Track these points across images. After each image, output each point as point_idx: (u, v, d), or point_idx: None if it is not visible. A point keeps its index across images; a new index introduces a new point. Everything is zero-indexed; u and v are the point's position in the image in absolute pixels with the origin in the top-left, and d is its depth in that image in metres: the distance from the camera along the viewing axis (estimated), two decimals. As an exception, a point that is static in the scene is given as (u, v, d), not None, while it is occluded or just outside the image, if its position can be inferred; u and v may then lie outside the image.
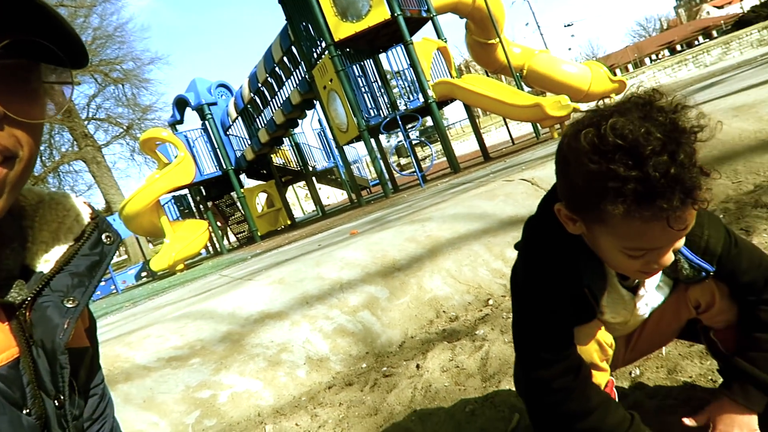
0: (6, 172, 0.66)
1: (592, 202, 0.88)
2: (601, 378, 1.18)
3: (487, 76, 13.06)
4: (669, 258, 0.94)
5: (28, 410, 0.69)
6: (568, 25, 53.05)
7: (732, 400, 1.11)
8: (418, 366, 2.17)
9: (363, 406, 2.00)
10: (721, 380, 1.35)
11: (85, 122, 25.34)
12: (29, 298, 0.73)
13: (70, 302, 0.75)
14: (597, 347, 1.14)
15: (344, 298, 3.09)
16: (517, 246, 1.15)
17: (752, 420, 1.10)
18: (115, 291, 15.71)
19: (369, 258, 3.46)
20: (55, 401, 0.72)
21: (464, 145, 33.62)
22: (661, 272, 1.12)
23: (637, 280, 1.12)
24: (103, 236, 0.82)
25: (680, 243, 0.95)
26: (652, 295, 1.15)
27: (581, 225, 0.98)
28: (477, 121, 15.49)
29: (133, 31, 53.68)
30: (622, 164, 0.82)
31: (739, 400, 1.10)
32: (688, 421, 1.17)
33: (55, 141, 25.86)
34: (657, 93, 0.88)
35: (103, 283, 16.71)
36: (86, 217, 0.82)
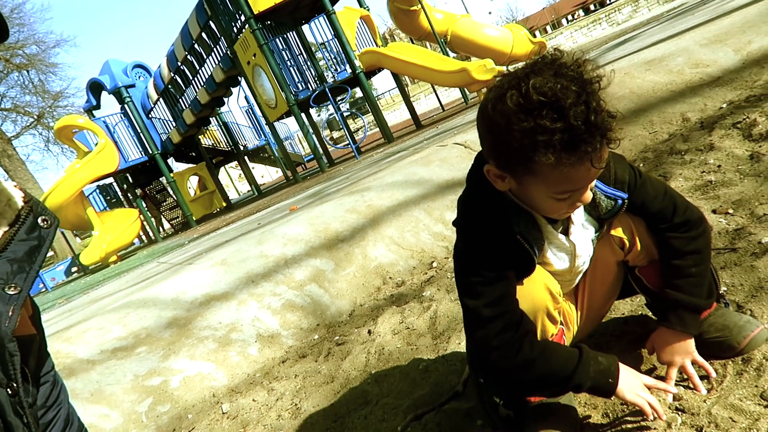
0: None
1: (525, 157, 0.98)
2: (552, 328, 1.25)
3: (413, 43, 13.09)
4: (589, 195, 1.07)
5: None
6: (488, -11, 53.54)
7: (669, 329, 1.22)
8: (369, 332, 2.22)
9: (319, 376, 2.03)
10: (650, 314, 1.47)
11: (-9, 114, 23.63)
12: None
13: (12, 289, 0.73)
14: (549, 296, 1.20)
15: (290, 274, 3.09)
16: (454, 223, 1.20)
17: (689, 344, 1.21)
18: (44, 289, 14.97)
19: (311, 232, 3.46)
20: (8, 389, 0.71)
21: (395, 115, 33.70)
22: (583, 212, 1.22)
23: (565, 224, 1.21)
24: (39, 219, 0.80)
25: (594, 182, 1.09)
26: (582, 233, 1.23)
27: (510, 180, 1.07)
28: (406, 89, 15.54)
29: (33, 12, 50.05)
30: (548, 118, 0.93)
31: (677, 327, 1.21)
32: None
33: (-41, 136, 24.00)
34: (559, 51, 1.00)
35: (29, 283, 15.87)
36: (19, 201, 0.79)
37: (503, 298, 1.12)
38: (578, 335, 1.43)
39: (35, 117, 25.08)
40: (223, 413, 2.06)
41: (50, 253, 28.01)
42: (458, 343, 1.81)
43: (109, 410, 2.22)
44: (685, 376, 1.21)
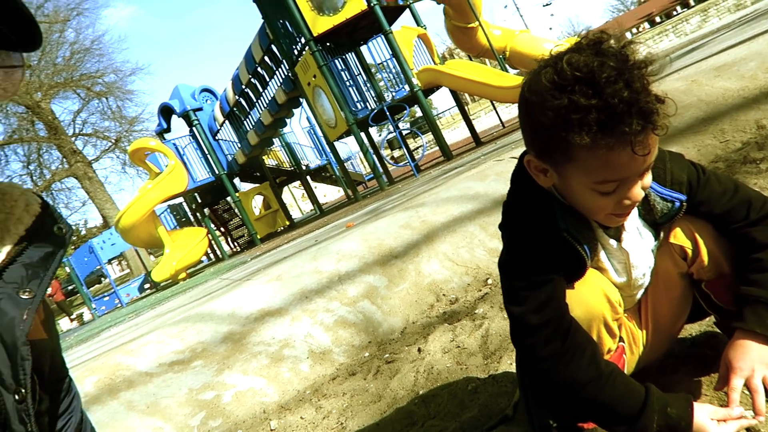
0: None
1: (559, 138, 0.91)
2: (610, 342, 1.14)
3: (471, 60, 13.02)
4: (638, 192, 0.97)
5: None
6: (547, 5, 52.74)
7: (746, 331, 1.04)
8: (419, 350, 2.16)
9: (366, 394, 1.99)
10: (720, 335, 1.34)
11: (72, 138, 25.17)
12: None
13: (26, 294, 0.73)
14: (607, 304, 1.10)
15: (343, 290, 3.07)
16: (499, 226, 1.14)
17: None
18: (120, 305, 15.69)
19: (365, 248, 3.45)
20: (16, 395, 0.70)
21: (455, 133, 33.57)
22: (638, 216, 1.11)
23: (617, 232, 1.11)
24: (55, 227, 0.80)
25: (647, 179, 0.98)
26: (636, 241, 1.13)
27: (552, 173, 1.00)
28: (466, 107, 15.45)
29: (111, 42, 53.35)
30: (582, 95, 0.86)
31: (756, 328, 1.03)
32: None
33: (44, 159, 25.74)
34: (605, 34, 0.93)
35: (106, 298, 16.70)
36: (37, 207, 0.80)
37: (549, 303, 1.02)
38: (644, 358, 1.29)
39: (113, 141, 26.59)
40: (272, 430, 2.05)
41: (126, 270, 29.41)
42: (510, 364, 1.72)
43: (163, 423, 2.25)
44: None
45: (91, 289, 22.46)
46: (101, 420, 2.33)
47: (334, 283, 3.16)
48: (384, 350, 2.41)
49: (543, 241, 1.03)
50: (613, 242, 1.11)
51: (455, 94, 11.74)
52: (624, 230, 1.11)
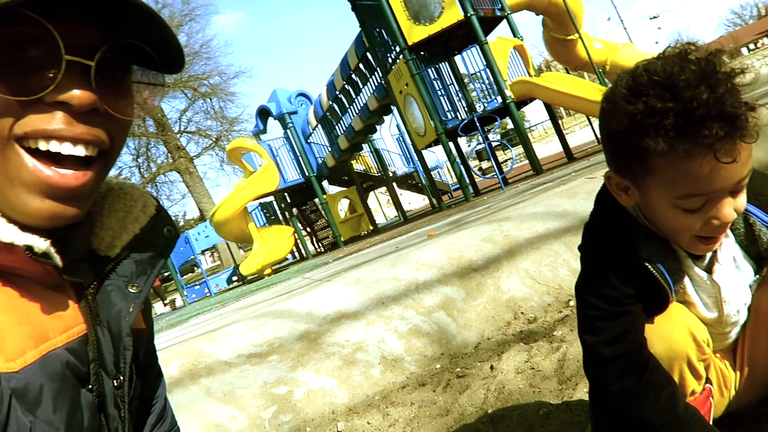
0: (101, 166, 0.70)
1: (635, 146, 0.85)
2: (694, 383, 1.05)
3: (568, 73, 12.64)
4: (729, 212, 0.87)
5: (90, 387, 0.72)
6: (654, 17, 50.11)
7: None
8: (492, 367, 2.11)
9: (434, 407, 1.97)
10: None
11: (178, 135, 26.87)
12: (96, 281, 0.76)
13: (134, 288, 0.78)
14: (692, 342, 1.01)
15: (420, 299, 3.06)
16: (579, 248, 1.09)
17: None
18: (209, 294, 16.50)
19: (445, 259, 3.42)
20: (114, 381, 0.74)
21: (547, 147, 32.68)
22: (737, 247, 1.02)
23: (710, 259, 1.02)
24: (165, 229, 0.85)
25: (741, 200, 0.89)
26: (731, 274, 1.03)
27: (633, 190, 0.94)
28: (560, 121, 15.01)
29: (218, 47, 56.44)
30: (659, 98, 0.80)
31: None
32: None
33: (152, 153, 27.67)
34: (692, 44, 0.87)
35: (197, 287, 17.61)
36: (152, 208, 0.85)
37: (625, 335, 0.96)
38: (736, 402, 1.18)
39: (214, 140, 28.10)
40: (338, 431, 2.07)
41: (217, 262, 30.95)
42: (585, 392, 1.64)
43: (237, 412, 2.34)
44: None
45: (184, 277, 23.81)
46: (181, 403, 2.45)
47: (411, 292, 3.16)
48: (456, 364, 2.38)
49: (622, 270, 0.97)
50: (702, 274, 1.02)
51: (549, 108, 11.43)
52: (717, 261, 1.02)
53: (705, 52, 0.84)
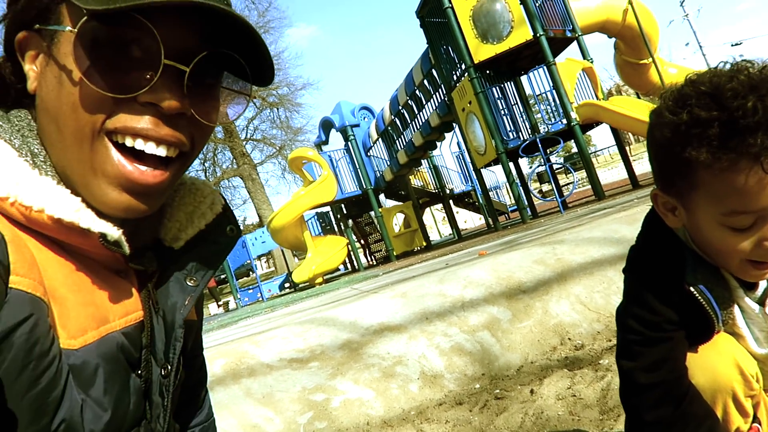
0: (179, 166, 0.72)
1: (678, 158, 0.81)
2: (740, 421, 0.97)
3: (639, 98, 12.26)
4: None
5: (139, 372, 0.74)
6: (737, 44, 47.87)
7: None
8: (532, 391, 2.05)
9: (469, 426, 1.92)
10: None
11: (244, 142, 27.70)
12: (159, 270, 0.79)
13: (191, 281, 0.79)
14: (739, 376, 0.94)
15: (464, 317, 3.01)
16: (623, 270, 1.04)
17: None
18: (261, 299, 16.84)
19: (494, 278, 3.36)
20: (162, 369, 0.76)
21: (612, 173, 31.71)
22: None
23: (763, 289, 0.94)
24: (228, 228, 0.86)
25: None
26: None
27: (680, 210, 0.89)
28: (628, 147, 14.55)
29: (289, 59, 57.92)
30: (703, 108, 0.76)
31: None
32: None
33: (218, 158, 28.59)
34: (748, 62, 0.82)
35: (251, 291, 18.02)
36: (219, 207, 0.87)
37: (664, 363, 0.91)
38: None
39: (277, 148, 28.81)
40: (371, 443, 2.05)
41: (271, 268, 31.56)
42: (629, 425, 1.56)
43: (274, 415, 2.35)
44: None
45: (239, 280, 24.39)
46: (221, 401, 2.49)
47: (456, 309, 3.11)
48: (496, 385, 2.32)
49: (665, 294, 0.92)
50: (754, 306, 0.95)
51: (616, 132, 11.10)
52: None
53: (760, 67, 0.79)
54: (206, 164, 28.15)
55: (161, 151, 0.68)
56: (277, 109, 28.36)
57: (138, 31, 0.63)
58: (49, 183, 0.64)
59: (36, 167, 0.67)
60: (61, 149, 0.67)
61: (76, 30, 0.62)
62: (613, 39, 12.47)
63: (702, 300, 0.91)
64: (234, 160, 27.36)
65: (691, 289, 0.91)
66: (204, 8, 0.62)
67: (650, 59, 11.35)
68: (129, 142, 0.66)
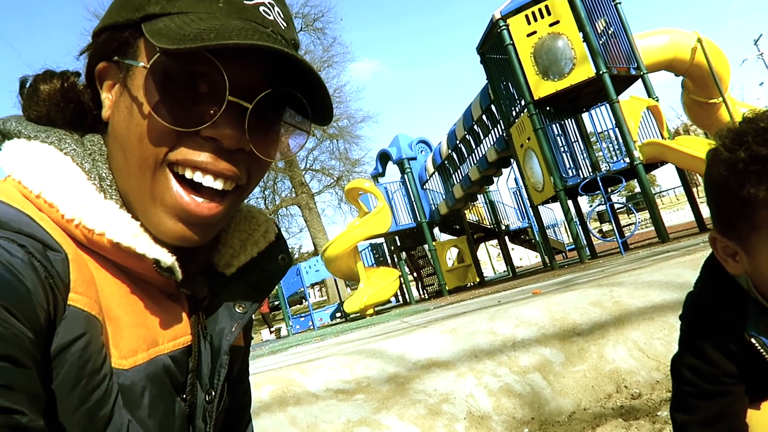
0: (234, 198, 0.75)
1: (736, 198, 0.77)
2: None
3: (707, 138, 11.81)
4: None
5: (184, 396, 0.75)
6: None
7: None
8: (584, 440, 1.95)
9: (516, 472, 1.84)
10: None
11: (303, 172, 28.36)
12: (209, 295, 0.81)
13: (240, 308, 0.81)
14: None
15: (515, 357, 2.93)
16: (680, 317, 0.99)
17: None
18: (312, 327, 16.95)
19: (547, 318, 3.26)
20: (207, 395, 0.77)
21: (677, 215, 30.46)
22: None
23: None
24: (280, 257, 0.88)
25: None
26: None
27: (741, 255, 0.83)
28: (695, 189, 14.00)
29: (350, 92, 59.25)
30: (762, 144, 0.73)
31: None
32: None
33: (278, 187, 29.35)
34: None
35: (302, 318, 18.16)
36: (273, 236, 0.89)
37: (722, 418, 0.86)
38: None
39: (335, 179, 29.32)
40: (413, 482, 2.00)
41: (324, 297, 31.80)
42: (688, 484, 1.46)
43: (317, 445, 2.34)
44: None
45: (291, 308, 24.65)
46: (266, 427, 2.50)
47: (506, 348, 3.03)
48: (545, 431, 2.23)
49: (723, 344, 0.87)
50: None
51: (682, 173, 10.71)
52: None
53: None
54: (266, 192, 28.92)
55: (218, 185, 0.70)
56: (337, 140, 28.95)
57: (205, 68, 0.65)
58: (112, 207, 0.68)
59: (102, 191, 0.70)
60: (126, 176, 0.71)
61: (149, 66, 0.66)
62: (681, 77, 12.14)
63: (764, 351, 0.85)
64: (293, 189, 28.01)
65: (753, 340, 0.86)
66: (270, 51, 0.65)
67: (720, 99, 10.97)
68: (188, 174, 0.69)
